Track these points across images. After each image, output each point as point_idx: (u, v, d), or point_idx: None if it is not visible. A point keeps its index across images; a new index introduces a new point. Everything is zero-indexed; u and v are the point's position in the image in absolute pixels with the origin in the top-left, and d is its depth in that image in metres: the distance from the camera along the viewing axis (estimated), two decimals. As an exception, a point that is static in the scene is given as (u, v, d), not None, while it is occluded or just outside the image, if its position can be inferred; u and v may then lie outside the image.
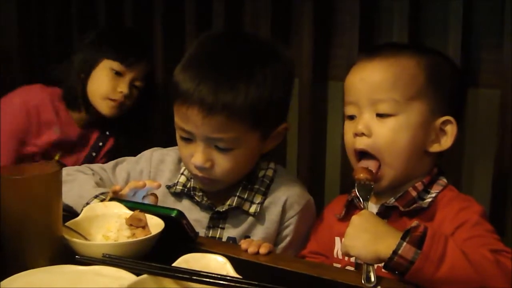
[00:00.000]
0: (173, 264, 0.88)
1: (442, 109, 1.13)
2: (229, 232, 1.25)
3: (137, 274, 0.87)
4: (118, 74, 1.80)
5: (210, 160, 1.19)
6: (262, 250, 1.08)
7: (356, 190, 1.09)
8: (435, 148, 1.14)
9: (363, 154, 1.14)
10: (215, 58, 1.19)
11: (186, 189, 1.28)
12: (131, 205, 1.11)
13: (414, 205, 1.10)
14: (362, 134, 1.13)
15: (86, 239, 1.04)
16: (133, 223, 1.06)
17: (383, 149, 1.11)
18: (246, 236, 1.24)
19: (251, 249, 1.08)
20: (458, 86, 1.19)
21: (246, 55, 1.19)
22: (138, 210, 1.08)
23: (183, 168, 1.30)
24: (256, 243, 1.10)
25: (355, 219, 1.00)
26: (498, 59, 1.46)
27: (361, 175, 1.09)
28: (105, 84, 1.79)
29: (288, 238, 1.26)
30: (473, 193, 1.48)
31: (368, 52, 1.18)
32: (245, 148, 1.19)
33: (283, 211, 1.25)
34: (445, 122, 1.13)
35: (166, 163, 1.32)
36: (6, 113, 1.78)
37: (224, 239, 1.26)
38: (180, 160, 1.31)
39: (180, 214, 1.08)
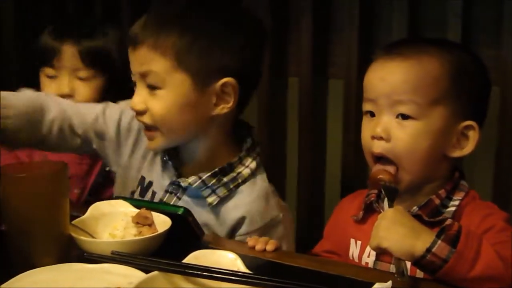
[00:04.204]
0: (183, 261, 0.88)
1: (465, 113, 1.10)
2: (184, 205, 1.18)
3: (147, 272, 0.87)
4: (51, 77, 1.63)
5: (143, 103, 1.19)
6: (269, 247, 1.08)
7: (383, 191, 1.06)
8: (456, 153, 1.10)
9: (380, 157, 1.11)
10: (155, 4, 1.29)
11: None
12: (137, 203, 1.11)
13: (440, 217, 1.08)
14: (381, 138, 1.09)
15: (92, 237, 1.04)
16: (139, 221, 1.05)
17: (402, 154, 1.08)
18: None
19: (259, 246, 1.08)
20: (483, 87, 1.15)
21: (185, 2, 1.25)
22: (144, 208, 1.07)
23: None
24: (263, 240, 1.10)
25: (390, 212, 0.98)
26: (497, 55, 1.45)
27: (381, 176, 1.07)
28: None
29: None
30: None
31: (388, 49, 1.15)
32: (174, 91, 1.17)
33: (241, 221, 1.21)
34: (467, 127, 1.10)
35: None
36: None
37: None
38: None
39: (187, 211, 1.07)
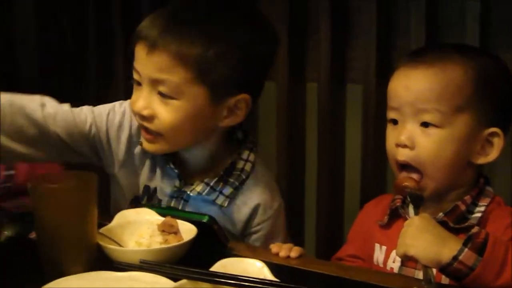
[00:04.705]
0: (211, 269, 0.89)
1: (489, 120, 1.10)
2: (192, 208, 1.21)
3: (174, 280, 0.88)
4: None
5: (150, 108, 1.14)
6: (293, 254, 1.09)
7: (408, 198, 1.07)
8: (480, 160, 1.11)
9: (405, 165, 1.11)
10: (176, 5, 1.19)
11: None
12: (163, 211, 1.12)
13: (465, 224, 1.08)
14: (405, 146, 1.10)
15: (119, 245, 1.05)
16: (165, 229, 1.07)
17: (426, 162, 1.08)
18: None
19: (283, 253, 1.09)
20: (507, 94, 1.14)
21: (214, 9, 1.18)
22: (170, 216, 1.09)
23: None
24: (286, 246, 1.11)
25: (416, 219, 0.98)
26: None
27: (406, 183, 1.08)
28: None
29: (259, 242, 1.23)
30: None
31: (411, 57, 1.15)
32: (188, 102, 1.13)
33: (254, 213, 1.21)
34: (492, 134, 1.10)
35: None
36: None
37: None
38: None
39: (212, 219, 1.08)
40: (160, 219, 1.09)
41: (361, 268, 1.15)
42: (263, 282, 0.85)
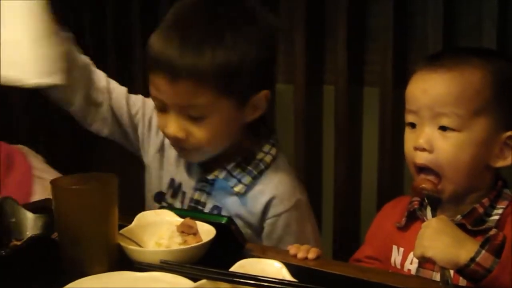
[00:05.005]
0: (230, 269, 0.90)
1: (507, 123, 1.10)
2: (214, 200, 1.24)
3: (194, 280, 0.89)
4: None
5: (183, 130, 1.17)
6: (311, 255, 1.10)
7: (426, 200, 1.08)
8: (498, 163, 1.11)
9: (423, 168, 1.12)
10: (183, 22, 1.16)
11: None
12: (182, 213, 1.13)
13: (483, 226, 1.09)
14: (423, 149, 1.10)
15: (139, 246, 1.07)
16: (184, 230, 1.08)
17: (444, 165, 1.09)
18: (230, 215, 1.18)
19: (300, 255, 1.10)
20: None
21: (215, 18, 1.16)
22: (189, 217, 1.10)
23: None
24: (304, 248, 1.11)
25: (434, 221, 0.99)
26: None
27: (424, 185, 1.09)
28: None
29: (276, 233, 1.24)
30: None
31: (429, 61, 1.16)
32: (219, 116, 1.16)
33: (269, 204, 1.23)
34: (510, 137, 1.10)
35: None
36: None
37: (209, 205, 1.26)
38: None
39: (230, 220, 1.10)
40: (179, 220, 1.10)
41: (378, 269, 1.15)
42: (281, 282, 0.86)
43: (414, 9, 1.63)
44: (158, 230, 1.10)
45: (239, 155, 1.24)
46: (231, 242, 1.11)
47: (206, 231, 1.07)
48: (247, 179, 1.23)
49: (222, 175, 1.24)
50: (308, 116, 1.78)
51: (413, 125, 1.14)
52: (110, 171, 1.01)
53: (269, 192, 1.23)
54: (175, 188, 1.31)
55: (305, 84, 1.73)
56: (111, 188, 0.98)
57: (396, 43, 1.62)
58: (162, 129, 1.21)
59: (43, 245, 1.04)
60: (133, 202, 2.05)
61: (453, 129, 1.08)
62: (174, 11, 1.21)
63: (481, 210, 1.11)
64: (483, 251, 0.91)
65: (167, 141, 1.28)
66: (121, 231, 1.06)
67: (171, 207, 1.17)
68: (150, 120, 1.32)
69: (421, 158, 1.11)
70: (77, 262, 0.98)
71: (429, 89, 1.10)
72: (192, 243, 1.05)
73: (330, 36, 1.74)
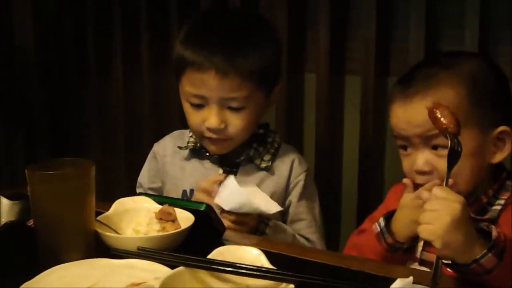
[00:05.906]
0: (208, 256, 0.90)
1: (493, 121, 1.14)
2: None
3: (172, 267, 0.89)
4: None
5: (223, 122, 1.32)
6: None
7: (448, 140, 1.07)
8: (497, 158, 1.15)
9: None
10: (220, 31, 1.36)
11: (198, 146, 1.41)
12: (160, 199, 1.12)
13: (486, 216, 1.11)
14: (425, 173, 1.14)
15: (117, 233, 1.06)
16: (162, 217, 1.07)
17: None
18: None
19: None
20: (503, 91, 1.18)
21: (244, 27, 1.37)
22: (167, 204, 1.09)
23: (190, 134, 1.44)
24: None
25: (458, 209, 0.92)
26: (516, 51, 1.46)
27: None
28: None
29: (297, 192, 1.39)
30: None
31: (403, 88, 1.18)
32: (254, 106, 1.34)
33: (292, 168, 1.40)
34: (500, 133, 1.14)
35: (167, 148, 1.47)
36: None
37: None
38: (178, 136, 1.47)
39: (209, 208, 1.09)
40: (158, 207, 1.10)
41: (358, 258, 1.15)
42: (259, 269, 0.85)
43: (396, -3, 1.63)
44: (136, 216, 1.09)
45: (252, 141, 1.40)
46: (209, 229, 1.10)
47: (185, 218, 1.07)
48: (267, 156, 1.40)
49: (247, 156, 1.38)
50: (289, 104, 1.77)
51: (405, 148, 1.18)
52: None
53: (289, 159, 1.41)
54: (188, 196, 1.38)
55: (286, 72, 1.72)
56: (87, 174, 0.97)
57: (379, 32, 1.62)
58: (198, 125, 1.34)
59: (19, 232, 1.03)
60: (114, 191, 2.05)
61: (445, 147, 1.06)
62: (200, 22, 1.41)
63: (485, 199, 1.15)
64: (490, 254, 0.91)
65: (161, 163, 1.44)
66: (98, 218, 1.04)
67: (149, 194, 1.16)
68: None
69: (422, 179, 1.15)
70: (53, 249, 0.96)
71: (413, 119, 1.14)
72: (171, 230, 1.05)
73: (312, 24, 1.73)
